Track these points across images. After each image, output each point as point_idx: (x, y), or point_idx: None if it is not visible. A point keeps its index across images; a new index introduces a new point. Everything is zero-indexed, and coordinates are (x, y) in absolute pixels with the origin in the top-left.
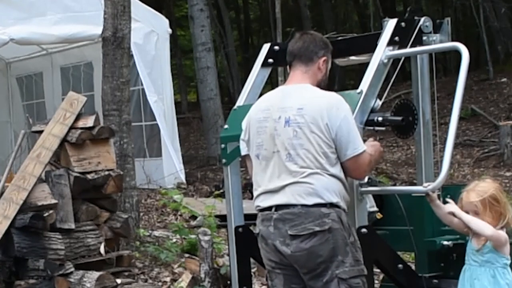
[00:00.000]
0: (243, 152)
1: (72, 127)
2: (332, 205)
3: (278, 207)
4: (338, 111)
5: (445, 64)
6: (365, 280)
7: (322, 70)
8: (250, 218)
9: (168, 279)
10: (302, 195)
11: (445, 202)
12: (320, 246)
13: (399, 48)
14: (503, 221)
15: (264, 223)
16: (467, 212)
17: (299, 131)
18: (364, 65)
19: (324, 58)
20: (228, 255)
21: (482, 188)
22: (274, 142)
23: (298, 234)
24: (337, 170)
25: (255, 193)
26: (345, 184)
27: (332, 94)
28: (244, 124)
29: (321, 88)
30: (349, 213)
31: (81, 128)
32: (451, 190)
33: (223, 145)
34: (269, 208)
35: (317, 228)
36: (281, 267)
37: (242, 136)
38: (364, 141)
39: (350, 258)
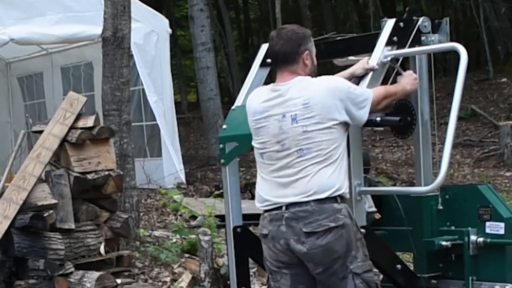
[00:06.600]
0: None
1: (72, 127)
2: (341, 198)
3: (289, 205)
4: (340, 88)
5: (445, 64)
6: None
7: (308, 63)
8: (249, 218)
9: (168, 279)
10: (313, 188)
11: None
12: (335, 242)
13: (397, 48)
14: None
15: (274, 223)
16: None
17: (309, 125)
18: None
19: (306, 52)
20: (227, 255)
21: None
22: (281, 141)
23: (314, 231)
24: (344, 159)
25: (259, 192)
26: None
27: (326, 77)
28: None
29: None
30: None
31: (81, 128)
32: (451, 190)
33: (221, 145)
34: (278, 208)
35: (332, 224)
36: (289, 267)
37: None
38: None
39: (360, 253)
